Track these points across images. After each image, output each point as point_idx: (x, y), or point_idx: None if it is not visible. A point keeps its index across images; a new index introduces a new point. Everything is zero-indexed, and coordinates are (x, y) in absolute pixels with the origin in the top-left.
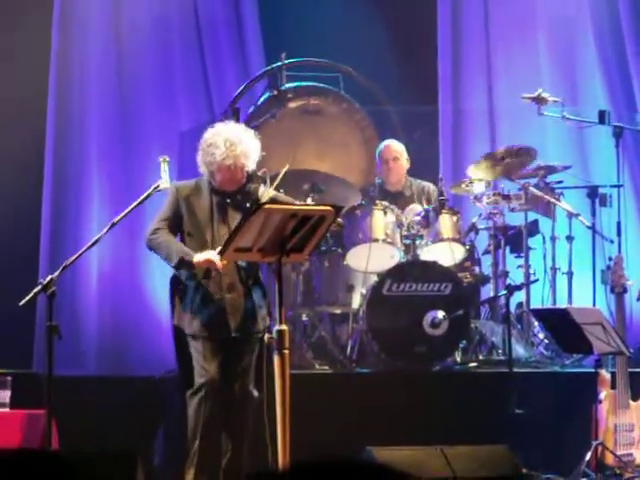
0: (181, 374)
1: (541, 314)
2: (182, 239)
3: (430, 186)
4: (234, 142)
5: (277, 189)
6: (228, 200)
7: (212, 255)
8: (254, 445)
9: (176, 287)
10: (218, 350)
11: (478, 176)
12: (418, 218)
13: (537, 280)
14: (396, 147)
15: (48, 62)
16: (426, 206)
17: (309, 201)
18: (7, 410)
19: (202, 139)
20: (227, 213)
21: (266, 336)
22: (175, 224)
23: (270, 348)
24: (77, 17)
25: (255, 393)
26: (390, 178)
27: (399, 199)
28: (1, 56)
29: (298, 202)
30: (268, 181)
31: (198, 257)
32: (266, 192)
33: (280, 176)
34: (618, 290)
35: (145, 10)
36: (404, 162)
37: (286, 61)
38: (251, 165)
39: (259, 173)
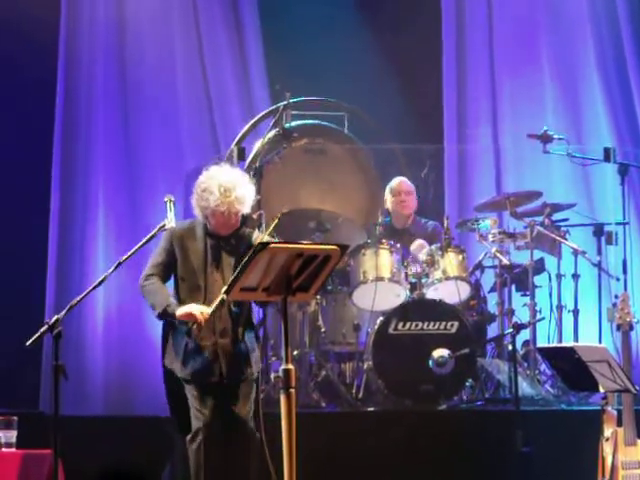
0: (173, 417)
1: (547, 352)
2: (175, 283)
3: (437, 225)
4: (229, 188)
5: (275, 232)
6: (222, 244)
7: (194, 309)
8: None
9: (169, 329)
10: (214, 394)
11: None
12: (424, 257)
13: (543, 318)
14: (408, 184)
15: (54, 100)
16: (432, 246)
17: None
18: (13, 450)
19: (196, 182)
20: (221, 258)
21: (272, 375)
22: (168, 269)
23: (275, 387)
24: (85, 59)
25: (257, 434)
26: (403, 211)
27: (405, 236)
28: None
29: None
30: (264, 225)
31: (180, 311)
32: (260, 237)
33: (274, 223)
34: (624, 328)
35: (150, 50)
36: (414, 198)
37: (291, 100)
38: (245, 210)
39: (254, 216)
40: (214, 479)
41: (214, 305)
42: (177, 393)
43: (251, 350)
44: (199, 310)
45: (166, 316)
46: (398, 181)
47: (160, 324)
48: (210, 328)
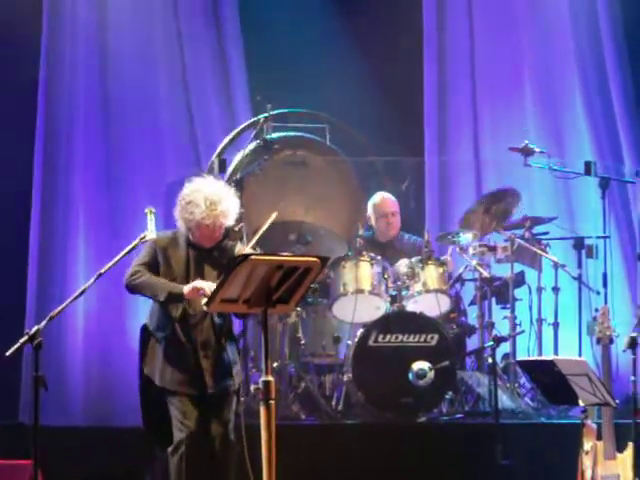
0: (147, 429)
1: (527, 365)
2: None
3: (421, 240)
4: (215, 201)
5: (257, 245)
6: (205, 255)
7: (199, 283)
8: None
9: (147, 336)
10: (196, 405)
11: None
12: (404, 269)
13: (523, 331)
14: (393, 201)
15: (35, 113)
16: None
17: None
18: None
19: (181, 194)
20: (203, 269)
21: (252, 387)
22: (153, 271)
23: (255, 399)
24: (68, 63)
25: (237, 445)
26: (389, 232)
27: (388, 250)
28: None
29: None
30: (245, 237)
31: (186, 288)
32: (242, 250)
33: (260, 232)
34: (604, 341)
35: (131, 60)
36: (399, 216)
37: (272, 112)
38: (229, 223)
39: (235, 229)
40: None
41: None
42: (154, 403)
43: (233, 362)
44: (206, 285)
45: (172, 298)
46: (382, 200)
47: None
48: (192, 340)
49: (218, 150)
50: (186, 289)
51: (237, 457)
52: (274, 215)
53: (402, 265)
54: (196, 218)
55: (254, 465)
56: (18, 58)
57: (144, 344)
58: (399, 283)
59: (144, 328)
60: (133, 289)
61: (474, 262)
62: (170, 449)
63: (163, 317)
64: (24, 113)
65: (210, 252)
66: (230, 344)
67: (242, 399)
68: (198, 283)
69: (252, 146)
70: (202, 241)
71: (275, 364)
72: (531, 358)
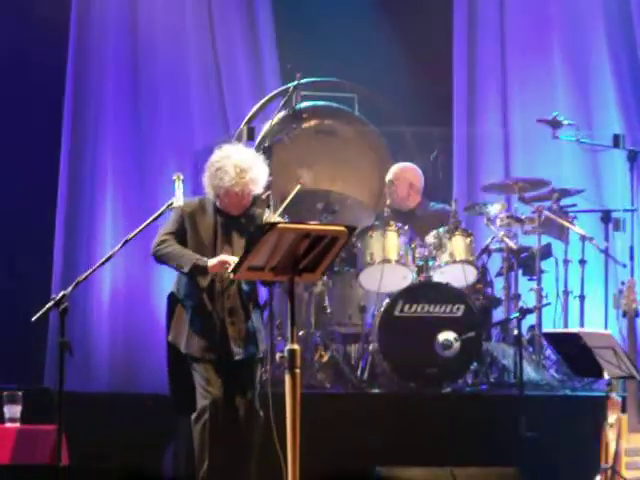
0: (173, 396)
1: (553, 337)
2: None
3: (445, 208)
4: (244, 169)
5: (284, 213)
6: (232, 222)
7: (225, 257)
8: (262, 466)
9: (174, 304)
10: (220, 372)
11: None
12: (432, 240)
13: (549, 303)
14: (412, 173)
15: (64, 78)
16: (440, 229)
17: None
18: (18, 425)
19: (210, 161)
20: (231, 235)
21: (277, 355)
22: (180, 239)
23: (281, 368)
24: (95, 34)
25: (261, 413)
26: (407, 203)
27: (411, 220)
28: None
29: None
30: (272, 205)
31: (212, 261)
32: (270, 217)
33: (287, 200)
34: (630, 314)
35: (162, 28)
36: (419, 186)
37: (301, 81)
38: (258, 191)
39: (263, 197)
40: (218, 458)
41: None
42: (179, 370)
43: (258, 329)
44: (230, 258)
45: (197, 271)
46: (401, 173)
47: (165, 301)
48: (219, 306)
49: (247, 118)
50: (211, 263)
51: (260, 425)
52: (298, 187)
53: (430, 236)
54: (225, 185)
55: (279, 433)
56: (49, 18)
57: (171, 312)
58: (426, 253)
59: (171, 296)
60: (159, 259)
61: (501, 233)
62: (193, 416)
63: (190, 286)
64: (54, 76)
65: (238, 219)
66: (255, 312)
67: (267, 367)
68: (224, 257)
69: (281, 115)
70: (230, 208)
71: (301, 333)
72: (557, 330)
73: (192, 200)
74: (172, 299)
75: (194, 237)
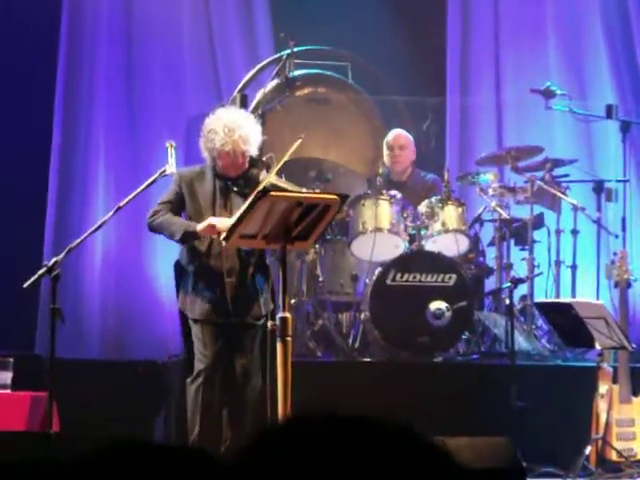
0: (186, 360)
1: (544, 307)
2: None
3: (436, 178)
4: (232, 128)
5: (280, 172)
6: (230, 185)
7: (213, 220)
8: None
9: (179, 272)
10: (217, 335)
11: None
12: (424, 209)
13: (541, 273)
14: (404, 136)
15: (57, 47)
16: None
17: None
18: (9, 392)
19: (204, 125)
20: (229, 198)
21: (269, 323)
22: (176, 208)
23: (273, 336)
24: (88, 3)
25: (259, 381)
26: (395, 167)
27: (403, 190)
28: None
29: (304, 189)
30: (273, 166)
31: (200, 226)
32: (267, 178)
33: (283, 160)
34: (622, 285)
35: None
36: (410, 152)
37: (295, 49)
38: (252, 150)
39: (264, 158)
40: (210, 422)
41: (235, 217)
42: (189, 335)
43: (260, 291)
44: (218, 220)
45: (188, 237)
46: (393, 135)
47: (164, 269)
48: (218, 267)
49: (240, 86)
50: (200, 227)
51: (256, 392)
52: (298, 142)
53: (422, 205)
54: (216, 146)
55: (272, 400)
56: None
57: (178, 280)
58: (418, 222)
59: (177, 264)
60: (153, 230)
61: (493, 203)
62: (189, 379)
63: (191, 251)
64: (46, 45)
65: (236, 181)
66: (259, 273)
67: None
68: (212, 220)
69: (274, 83)
70: (227, 170)
71: (292, 301)
72: (549, 300)
73: (193, 168)
74: (177, 267)
75: (193, 204)
